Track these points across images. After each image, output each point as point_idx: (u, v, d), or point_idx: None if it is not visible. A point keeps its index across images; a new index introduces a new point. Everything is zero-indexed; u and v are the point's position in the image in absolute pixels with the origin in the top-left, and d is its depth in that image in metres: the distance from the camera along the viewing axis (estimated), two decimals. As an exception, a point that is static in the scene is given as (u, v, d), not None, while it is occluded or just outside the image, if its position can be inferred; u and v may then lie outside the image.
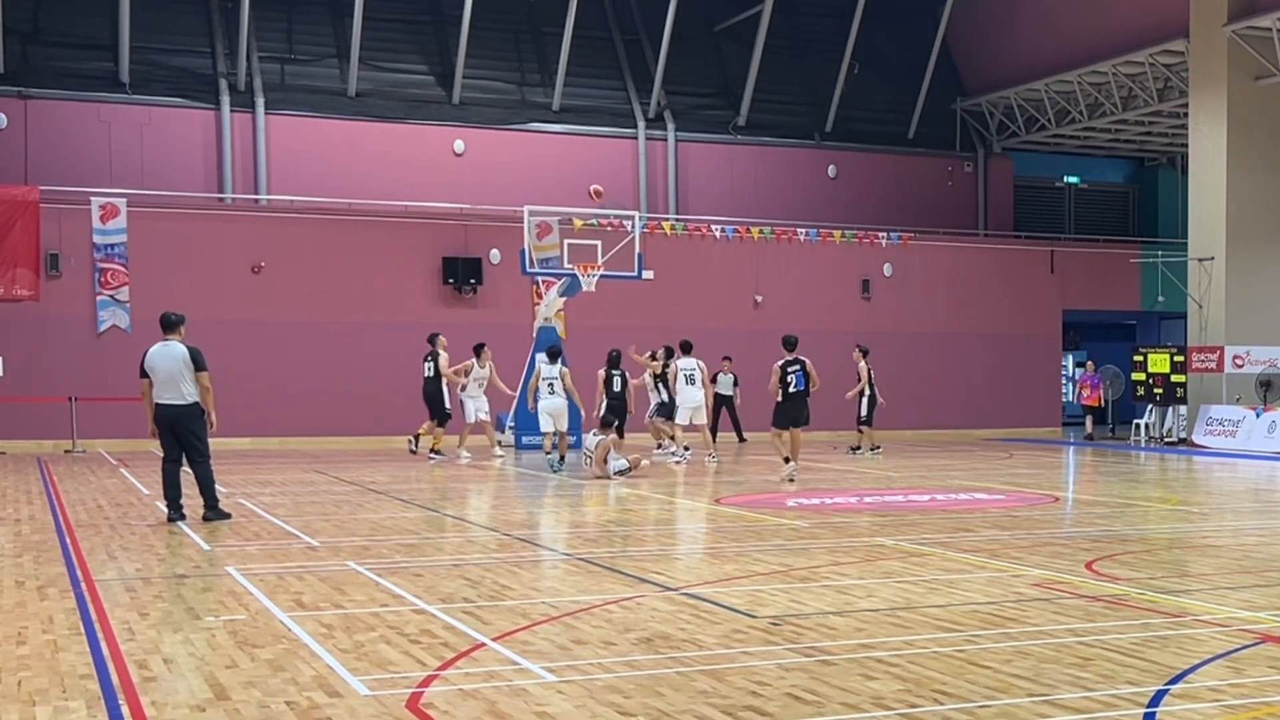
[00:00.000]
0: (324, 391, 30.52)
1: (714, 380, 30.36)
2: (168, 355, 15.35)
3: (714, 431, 29.25)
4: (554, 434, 23.96)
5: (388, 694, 7.42)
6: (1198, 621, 9.51)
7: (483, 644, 8.70)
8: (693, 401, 25.34)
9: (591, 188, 27.99)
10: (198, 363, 15.35)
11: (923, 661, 8.15)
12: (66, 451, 28.22)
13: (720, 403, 30.83)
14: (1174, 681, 7.65)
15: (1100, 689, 7.47)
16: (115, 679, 7.73)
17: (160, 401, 15.32)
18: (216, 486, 16.03)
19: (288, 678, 7.77)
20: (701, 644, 8.69)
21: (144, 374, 15.43)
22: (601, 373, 25.05)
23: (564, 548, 13.70)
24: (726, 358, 30.85)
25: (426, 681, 7.68)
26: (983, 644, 8.68)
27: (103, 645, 8.62)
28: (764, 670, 7.96)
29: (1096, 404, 34.62)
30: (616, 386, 24.90)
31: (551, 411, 23.98)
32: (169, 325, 15.65)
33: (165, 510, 15.69)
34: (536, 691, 7.49)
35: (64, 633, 9.04)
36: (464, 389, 25.84)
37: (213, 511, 15.65)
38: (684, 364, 25.57)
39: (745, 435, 31.21)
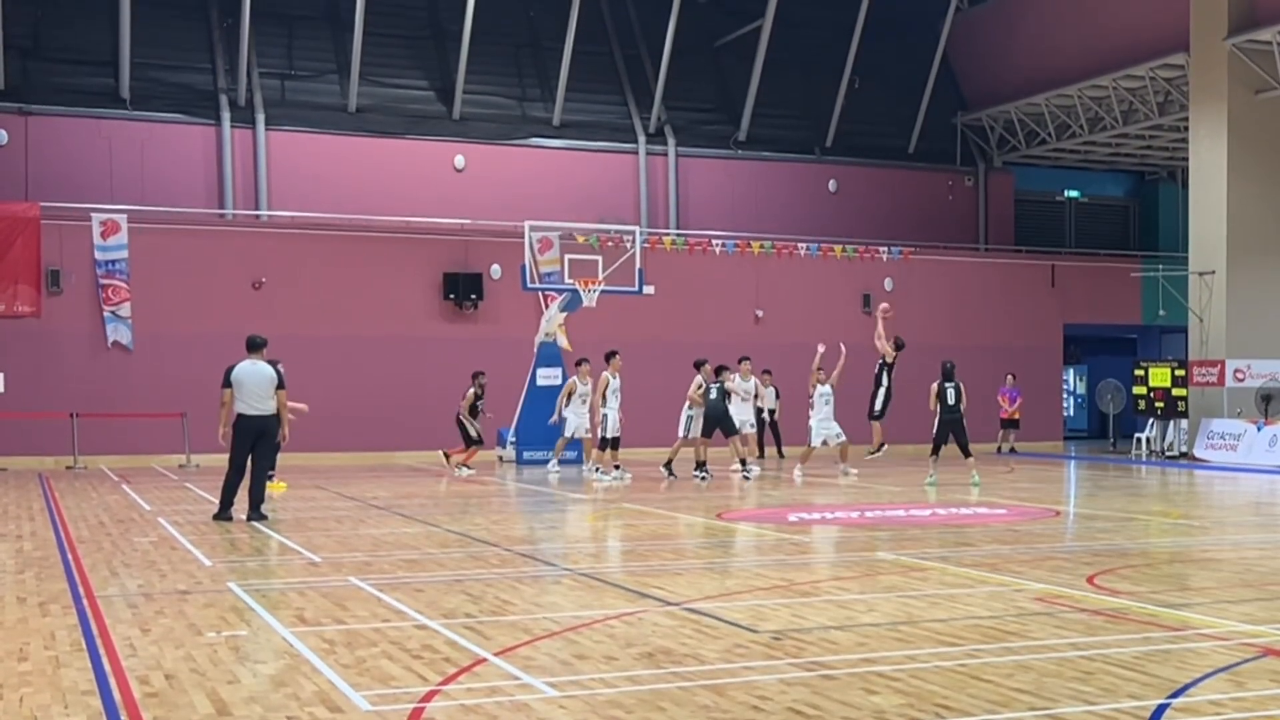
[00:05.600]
0: (325, 407, 30.37)
1: (755, 395, 30.63)
2: (257, 373, 17.20)
3: (759, 446, 30.75)
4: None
5: (389, 709, 7.42)
6: (1199, 635, 9.51)
7: (484, 659, 8.70)
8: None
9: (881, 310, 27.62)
10: (280, 381, 17.34)
11: (924, 676, 8.14)
12: (68, 468, 28.24)
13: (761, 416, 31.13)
14: (1176, 695, 7.65)
15: (1102, 703, 7.47)
16: (117, 695, 7.74)
17: (249, 413, 17.10)
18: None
19: (289, 693, 7.77)
20: (703, 659, 8.69)
21: (227, 384, 17.14)
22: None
23: (565, 563, 13.70)
24: (766, 371, 31.07)
25: (428, 697, 7.68)
26: (984, 658, 8.68)
27: (104, 661, 8.62)
28: (765, 685, 7.96)
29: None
30: (713, 395, 24.88)
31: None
32: (255, 346, 17.44)
33: (216, 507, 17.41)
34: (538, 707, 7.49)
35: (66, 649, 9.04)
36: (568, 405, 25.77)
37: (255, 513, 17.17)
38: (616, 382, 25.29)
39: (784, 451, 31.46)
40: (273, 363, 17.93)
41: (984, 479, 23.94)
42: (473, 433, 26.58)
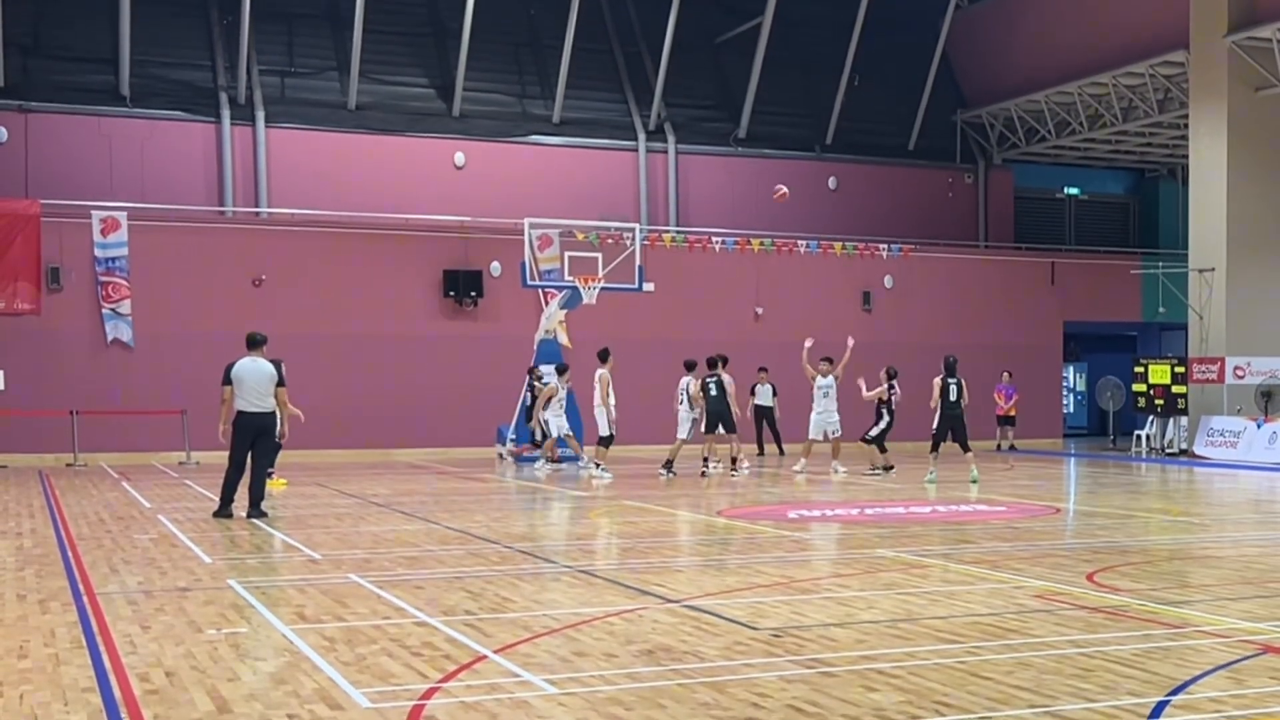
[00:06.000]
0: (324, 404, 30.39)
1: (752, 391, 30.82)
2: (257, 370, 17.08)
3: (760, 444, 31.26)
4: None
5: (389, 706, 7.42)
6: (1199, 632, 9.52)
7: (484, 656, 8.70)
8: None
9: (778, 194, 27.66)
10: (280, 379, 17.24)
11: (924, 673, 8.15)
12: (68, 465, 28.23)
13: (759, 414, 31.24)
14: (1175, 692, 7.66)
15: (1102, 700, 7.47)
16: (117, 692, 7.74)
17: (248, 410, 17.01)
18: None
19: (289, 690, 7.78)
20: (703, 656, 8.69)
21: (227, 381, 17.00)
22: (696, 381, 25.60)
23: (565, 560, 13.70)
24: (763, 368, 31.23)
25: (428, 694, 7.69)
26: (984, 655, 8.69)
27: (105, 658, 8.62)
28: (765, 682, 7.96)
29: None
30: (714, 392, 25.33)
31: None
32: (255, 344, 17.32)
33: (217, 504, 17.38)
34: (538, 704, 7.49)
35: (66, 646, 9.05)
36: (546, 408, 26.36)
37: (256, 510, 17.16)
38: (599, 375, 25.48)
39: (784, 448, 31.52)
40: (275, 362, 18.07)
41: (983, 476, 23.95)
42: (541, 430, 27.20)
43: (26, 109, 30.77)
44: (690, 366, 25.66)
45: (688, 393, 25.55)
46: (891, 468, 25.57)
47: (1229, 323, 31.56)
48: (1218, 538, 16.01)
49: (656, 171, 36.21)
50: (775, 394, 31.65)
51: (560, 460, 26.73)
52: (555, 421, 26.16)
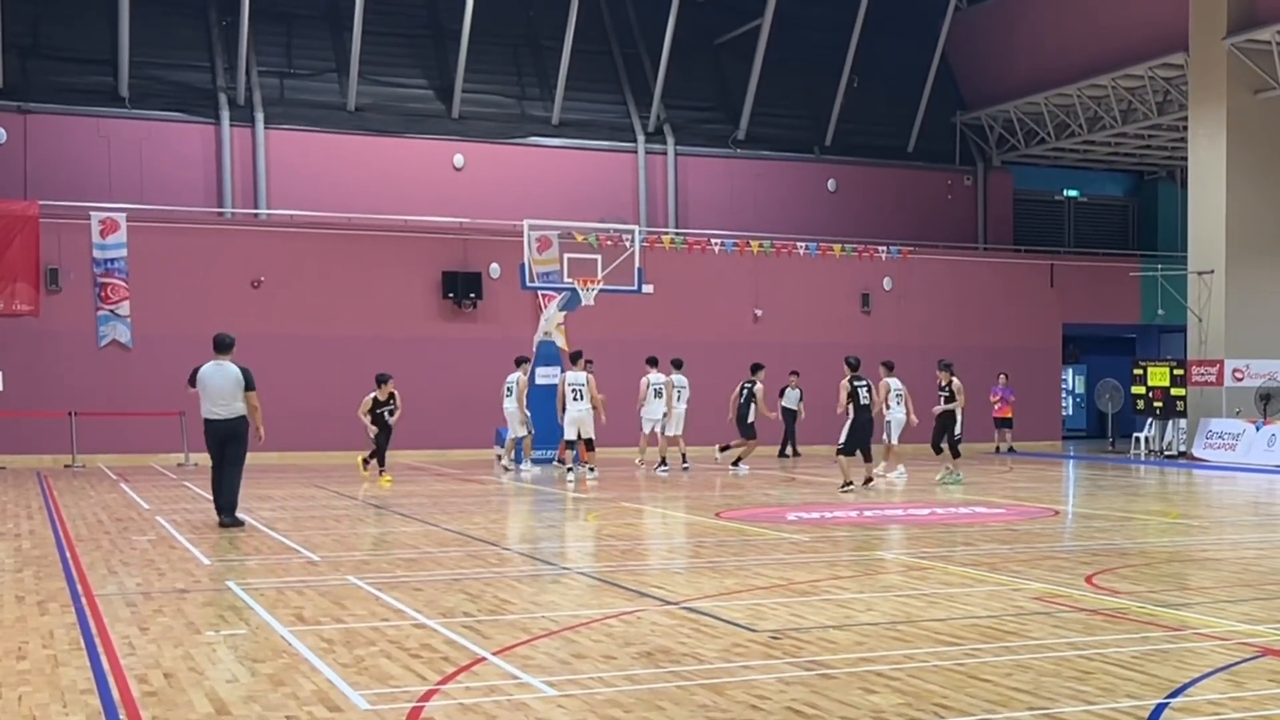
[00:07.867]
0: (323, 406, 30.47)
1: (781, 394, 31.11)
2: (221, 374, 16.42)
3: (783, 445, 32.17)
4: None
5: (388, 708, 7.42)
6: (1198, 635, 9.51)
7: (483, 658, 8.70)
8: (574, 415, 24.66)
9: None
10: (248, 382, 16.42)
11: (923, 675, 8.15)
12: (66, 466, 28.21)
13: (785, 417, 31.55)
14: (1174, 695, 7.66)
15: (1100, 702, 7.47)
16: (116, 694, 7.74)
17: (212, 417, 16.41)
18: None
19: (288, 692, 7.77)
20: (702, 658, 8.69)
21: (192, 384, 16.61)
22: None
23: (564, 562, 13.69)
24: (794, 371, 31.56)
25: (427, 696, 7.68)
26: (983, 657, 8.69)
27: (103, 660, 8.62)
28: (764, 684, 7.96)
29: None
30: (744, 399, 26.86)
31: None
32: (222, 347, 16.66)
33: (217, 516, 16.61)
34: (537, 706, 7.49)
35: (64, 648, 9.04)
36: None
37: (230, 517, 16.46)
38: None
39: (790, 453, 31.92)
40: (382, 378, 17.67)
41: (982, 478, 23.95)
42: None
43: (25, 110, 30.76)
44: (678, 365, 27.06)
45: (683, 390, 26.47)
46: (867, 480, 22.86)
47: (1228, 325, 31.56)
48: (1216, 540, 16.01)
49: (655, 173, 36.21)
50: (801, 398, 31.82)
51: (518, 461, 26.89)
52: (525, 422, 26.26)
